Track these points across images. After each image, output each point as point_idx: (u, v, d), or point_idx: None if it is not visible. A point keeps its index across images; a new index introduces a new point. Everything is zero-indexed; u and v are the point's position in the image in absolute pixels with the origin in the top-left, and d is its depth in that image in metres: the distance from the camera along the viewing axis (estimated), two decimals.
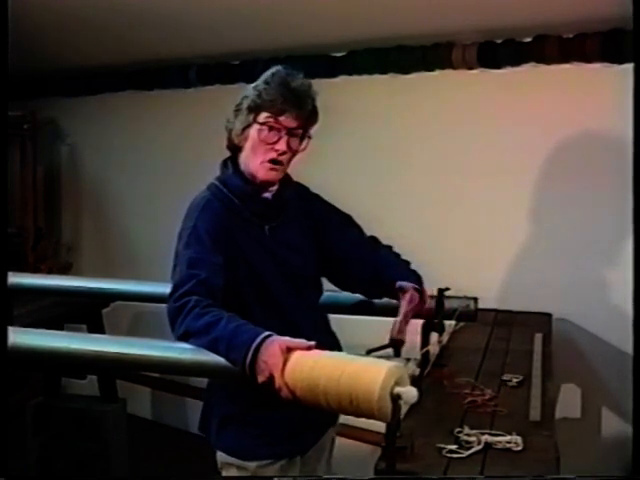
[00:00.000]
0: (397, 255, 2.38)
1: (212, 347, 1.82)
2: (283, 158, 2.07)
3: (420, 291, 2.25)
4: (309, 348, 1.72)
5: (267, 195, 2.14)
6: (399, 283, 2.23)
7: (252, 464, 2.12)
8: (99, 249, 5.40)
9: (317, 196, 2.35)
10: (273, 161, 2.06)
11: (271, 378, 1.70)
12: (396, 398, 1.52)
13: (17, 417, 3.70)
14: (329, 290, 2.47)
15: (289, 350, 1.71)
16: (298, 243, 2.20)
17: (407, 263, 2.37)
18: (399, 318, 2.13)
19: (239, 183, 2.11)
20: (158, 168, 4.86)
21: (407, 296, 2.20)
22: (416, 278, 2.29)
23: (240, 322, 1.83)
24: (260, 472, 2.12)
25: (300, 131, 2.08)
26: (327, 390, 1.59)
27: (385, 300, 2.46)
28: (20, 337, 2.15)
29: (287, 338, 1.74)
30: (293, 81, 2.05)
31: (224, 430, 2.17)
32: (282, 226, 2.16)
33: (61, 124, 5.44)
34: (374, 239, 2.41)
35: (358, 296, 2.52)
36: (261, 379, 1.72)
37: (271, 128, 2.04)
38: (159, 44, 4.41)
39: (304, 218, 2.25)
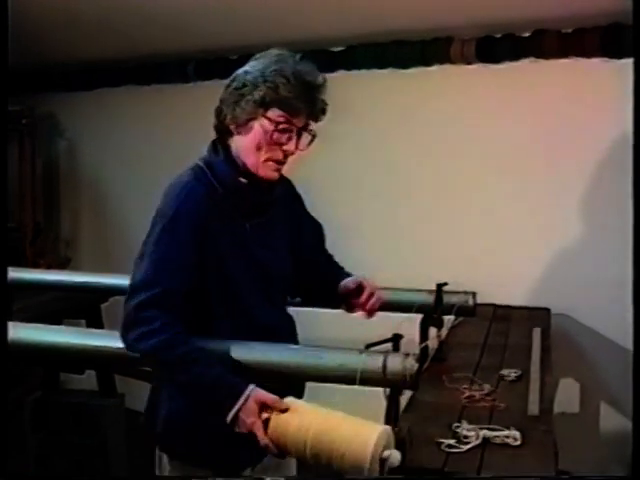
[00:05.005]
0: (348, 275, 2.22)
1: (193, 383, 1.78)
2: (288, 159, 1.92)
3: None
4: (285, 410, 1.66)
5: (258, 192, 1.96)
6: (347, 282, 2.12)
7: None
8: (98, 244, 5.40)
9: (299, 197, 2.21)
10: (278, 161, 1.91)
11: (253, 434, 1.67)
12: (383, 460, 1.56)
13: (16, 412, 3.71)
14: None
15: (265, 406, 1.67)
16: (277, 243, 2.06)
17: None
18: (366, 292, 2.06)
19: (230, 173, 1.93)
20: (156, 162, 4.84)
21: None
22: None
23: (213, 370, 1.77)
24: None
25: (309, 129, 1.92)
26: (314, 451, 1.61)
27: (387, 298, 2.46)
28: (19, 332, 2.15)
29: (261, 393, 1.69)
30: (312, 78, 1.87)
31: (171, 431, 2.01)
32: (264, 224, 2.00)
33: (60, 119, 5.44)
34: (331, 257, 2.28)
35: None
36: (242, 430, 1.69)
37: (283, 128, 1.86)
38: (157, 39, 4.41)
39: (285, 218, 2.10)
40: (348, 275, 2.16)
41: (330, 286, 2.15)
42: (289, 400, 1.70)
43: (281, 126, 1.85)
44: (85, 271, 3.89)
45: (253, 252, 1.96)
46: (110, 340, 2.14)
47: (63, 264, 5.24)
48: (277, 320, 2.04)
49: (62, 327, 2.81)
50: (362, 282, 2.08)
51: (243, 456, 1.94)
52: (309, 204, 2.24)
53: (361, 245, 4.15)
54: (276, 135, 1.86)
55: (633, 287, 1.75)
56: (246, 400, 1.68)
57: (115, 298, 3.75)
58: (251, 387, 1.70)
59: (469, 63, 3.86)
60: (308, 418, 1.64)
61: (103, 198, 5.39)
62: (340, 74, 4.13)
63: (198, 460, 1.95)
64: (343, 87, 4.01)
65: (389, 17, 3.73)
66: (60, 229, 5.59)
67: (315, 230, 2.23)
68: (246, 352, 1.89)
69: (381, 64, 4.07)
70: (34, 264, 4.90)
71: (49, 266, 4.89)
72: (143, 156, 4.97)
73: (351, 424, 1.63)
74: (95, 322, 3.89)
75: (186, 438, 1.95)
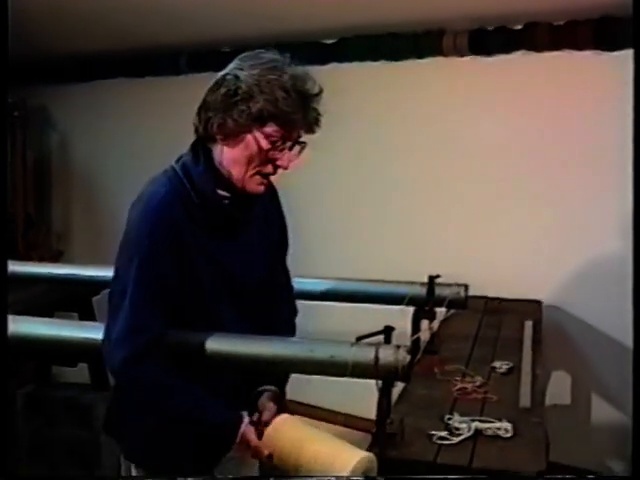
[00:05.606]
0: (292, 314, 2.11)
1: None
2: (278, 171, 1.78)
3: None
4: (269, 457, 1.70)
5: (237, 206, 1.83)
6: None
7: None
8: (90, 236, 5.38)
9: (282, 213, 2.04)
10: (267, 175, 1.77)
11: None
12: None
13: (8, 406, 3.70)
14: (323, 278, 2.47)
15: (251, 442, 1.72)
16: (253, 256, 1.92)
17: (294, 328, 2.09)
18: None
19: (210, 185, 1.79)
20: (149, 155, 4.82)
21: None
22: None
23: (206, 415, 1.77)
24: None
25: (300, 141, 1.77)
26: (298, 470, 1.64)
27: (379, 291, 2.47)
28: (11, 325, 2.14)
29: (250, 435, 1.71)
30: (309, 87, 1.71)
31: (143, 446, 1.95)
32: (241, 236, 1.89)
33: (52, 111, 5.42)
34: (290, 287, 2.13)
35: (354, 285, 2.50)
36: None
37: (278, 143, 1.72)
38: (150, 32, 4.39)
39: (266, 231, 1.97)
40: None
41: None
42: (282, 418, 1.73)
43: (278, 143, 1.71)
44: (77, 264, 3.87)
45: (225, 263, 1.85)
46: (102, 333, 2.14)
47: (55, 257, 5.22)
48: (248, 331, 1.94)
49: (54, 320, 2.80)
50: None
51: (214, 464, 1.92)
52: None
53: (354, 238, 4.15)
54: (271, 151, 1.72)
55: (633, 286, 1.75)
56: (239, 440, 1.72)
57: (107, 291, 3.75)
58: (243, 425, 1.73)
59: (461, 55, 3.87)
60: (289, 443, 1.67)
61: (95, 190, 5.37)
62: (332, 66, 4.13)
63: (171, 472, 1.88)
64: (335, 79, 4.02)
65: (382, 9, 3.72)
66: (52, 222, 5.57)
67: (283, 252, 2.09)
68: (238, 344, 1.90)
69: (374, 56, 4.07)
70: (26, 257, 4.88)
71: (41, 259, 4.87)
72: (135, 148, 4.96)
73: (331, 450, 1.64)
74: (87, 315, 3.87)
75: (160, 454, 1.91)
